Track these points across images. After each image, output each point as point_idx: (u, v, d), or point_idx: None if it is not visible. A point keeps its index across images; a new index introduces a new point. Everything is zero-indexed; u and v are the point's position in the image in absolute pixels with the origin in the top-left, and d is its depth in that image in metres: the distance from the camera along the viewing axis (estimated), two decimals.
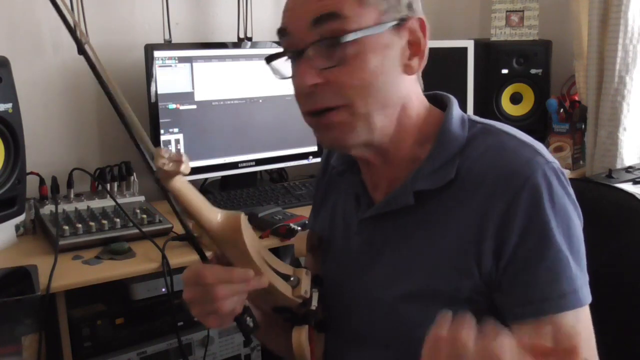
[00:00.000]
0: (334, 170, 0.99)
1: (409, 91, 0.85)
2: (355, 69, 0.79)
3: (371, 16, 0.79)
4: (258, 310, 0.92)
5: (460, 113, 0.88)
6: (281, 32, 0.83)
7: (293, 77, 0.83)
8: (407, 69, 0.83)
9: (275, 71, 0.87)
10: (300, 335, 0.88)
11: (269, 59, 0.87)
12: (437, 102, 0.91)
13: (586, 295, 0.80)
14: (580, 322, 0.79)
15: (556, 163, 0.81)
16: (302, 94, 0.82)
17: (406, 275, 0.84)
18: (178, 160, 0.75)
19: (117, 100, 0.83)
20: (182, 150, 1.83)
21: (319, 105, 0.81)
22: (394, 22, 0.81)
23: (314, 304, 0.89)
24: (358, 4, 0.79)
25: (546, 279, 0.78)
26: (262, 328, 0.90)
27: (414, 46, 0.83)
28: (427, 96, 0.90)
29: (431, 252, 0.83)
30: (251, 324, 0.86)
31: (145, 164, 0.79)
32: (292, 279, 0.89)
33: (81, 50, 0.82)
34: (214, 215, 0.81)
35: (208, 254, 0.86)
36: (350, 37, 0.78)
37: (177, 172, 0.75)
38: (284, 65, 0.86)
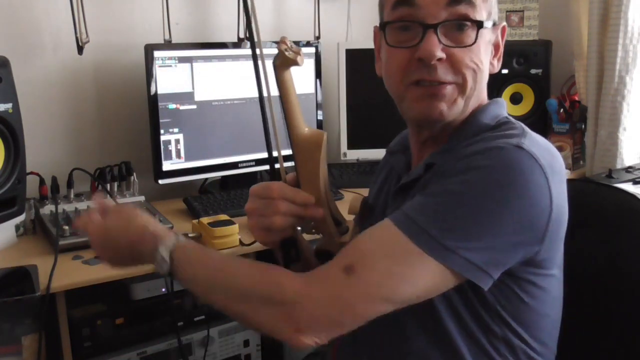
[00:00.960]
0: (389, 150, 1.11)
1: None
2: (473, 53, 0.87)
3: (486, 11, 0.89)
4: (302, 251, 0.97)
5: (499, 112, 0.94)
6: (405, 2, 0.87)
7: (409, 46, 0.87)
8: (491, 67, 0.94)
9: (389, 38, 0.90)
10: None
11: (385, 24, 0.91)
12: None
13: (454, 260, 0.77)
14: (404, 253, 0.78)
15: (534, 159, 0.79)
16: (419, 64, 0.87)
17: None
18: (297, 52, 0.86)
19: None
20: (182, 151, 1.83)
21: (435, 78, 0.87)
22: (494, 23, 0.92)
23: None
24: None
25: (419, 202, 0.82)
26: (301, 267, 0.96)
27: (496, 49, 0.95)
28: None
29: None
30: (294, 255, 0.92)
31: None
32: (343, 225, 0.96)
33: (253, 52, 0.94)
34: (303, 124, 0.91)
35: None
36: (477, 22, 0.86)
37: (294, 61, 0.86)
38: (391, 32, 0.90)
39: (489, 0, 0.90)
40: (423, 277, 0.79)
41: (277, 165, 0.96)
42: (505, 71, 2.26)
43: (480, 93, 0.92)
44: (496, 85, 2.27)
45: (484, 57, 0.89)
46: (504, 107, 0.96)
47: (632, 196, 1.09)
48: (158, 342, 1.55)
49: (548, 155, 0.82)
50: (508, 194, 0.78)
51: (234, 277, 0.86)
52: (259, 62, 0.94)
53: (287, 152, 0.93)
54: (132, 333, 1.53)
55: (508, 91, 2.29)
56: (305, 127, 0.91)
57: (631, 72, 2.04)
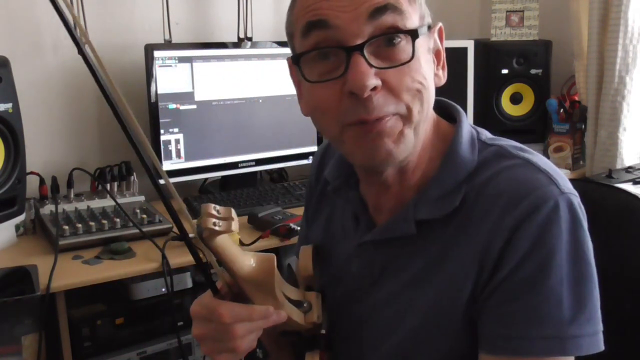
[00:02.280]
0: (329, 186, 0.91)
1: None
2: (413, 70, 0.71)
3: (417, 17, 0.74)
4: (264, 333, 0.84)
5: (470, 132, 0.81)
6: (318, 24, 0.70)
7: (334, 78, 0.71)
8: (437, 80, 0.78)
9: (307, 73, 0.74)
10: None
11: (298, 57, 0.73)
12: (443, 112, 0.84)
13: (582, 346, 0.70)
14: None
15: (573, 194, 0.73)
16: (352, 99, 0.70)
17: (401, 303, 0.80)
18: (228, 218, 0.69)
19: (118, 108, 0.76)
20: (182, 151, 1.83)
21: (375, 114, 0.70)
22: (429, 26, 0.76)
23: (324, 327, 0.85)
24: (409, 1, 0.72)
25: (531, 315, 0.70)
26: (270, 355, 0.87)
27: (437, 56, 0.79)
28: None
29: (429, 283, 0.78)
30: (261, 355, 0.83)
31: (144, 166, 0.72)
32: (304, 304, 0.84)
33: (80, 51, 0.74)
34: (247, 261, 0.76)
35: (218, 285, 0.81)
36: (411, 32, 0.71)
37: (227, 231, 0.69)
38: (308, 65, 0.74)
39: (416, 0, 0.74)
40: None
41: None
42: (505, 71, 2.26)
43: (429, 113, 0.77)
44: (496, 85, 2.27)
45: (426, 71, 0.73)
46: (465, 117, 0.82)
47: (632, 196, 1.09)
48: (158, 342, 1.55)
49: (558, 169, 0.78)
50: (588, 244, 0.73)
51: None
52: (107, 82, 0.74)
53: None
54: (132, 333, 1.53)
55: (508, 91, 2.29)
56: (250, 258, 0.77)
57: (631, 72, 2.04)
